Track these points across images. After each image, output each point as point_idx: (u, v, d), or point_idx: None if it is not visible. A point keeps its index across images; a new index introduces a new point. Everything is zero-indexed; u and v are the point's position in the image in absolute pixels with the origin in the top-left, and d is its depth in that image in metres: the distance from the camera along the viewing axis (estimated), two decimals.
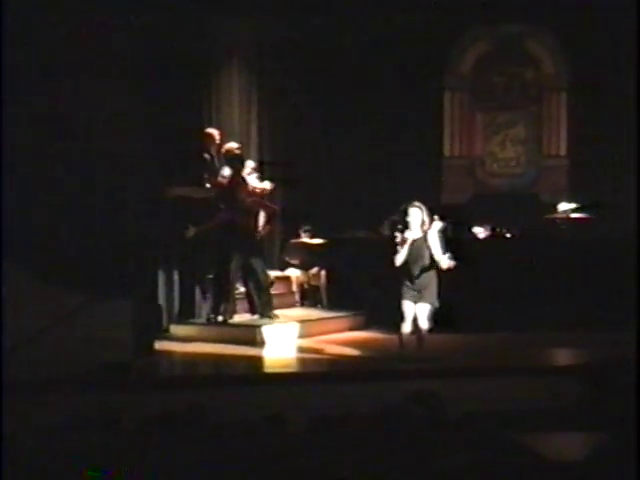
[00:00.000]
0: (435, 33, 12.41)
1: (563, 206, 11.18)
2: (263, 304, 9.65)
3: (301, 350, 9.04)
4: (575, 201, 11.26)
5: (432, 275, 8.15)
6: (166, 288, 9.63)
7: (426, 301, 8.11)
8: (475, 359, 8.51)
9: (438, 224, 8.28)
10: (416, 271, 8.11)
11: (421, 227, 8.14)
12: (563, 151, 13.01)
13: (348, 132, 12.37)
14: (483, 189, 13.14)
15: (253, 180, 9.89)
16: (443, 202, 12.49)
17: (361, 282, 10.40)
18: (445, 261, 8.05)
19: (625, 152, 12.14)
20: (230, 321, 9.54)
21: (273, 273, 10.62)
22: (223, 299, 9.57)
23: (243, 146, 10.39)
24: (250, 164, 10.04)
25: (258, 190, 9.86)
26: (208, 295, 9.77)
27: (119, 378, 7.43)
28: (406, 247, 8.08)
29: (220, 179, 9.81)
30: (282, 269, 11.29)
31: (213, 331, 9.37)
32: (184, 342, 9.17)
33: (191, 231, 9.53)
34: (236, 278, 9.68)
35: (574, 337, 9.28)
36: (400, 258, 8.10)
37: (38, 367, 7.17)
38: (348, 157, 12.42)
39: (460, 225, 10.26)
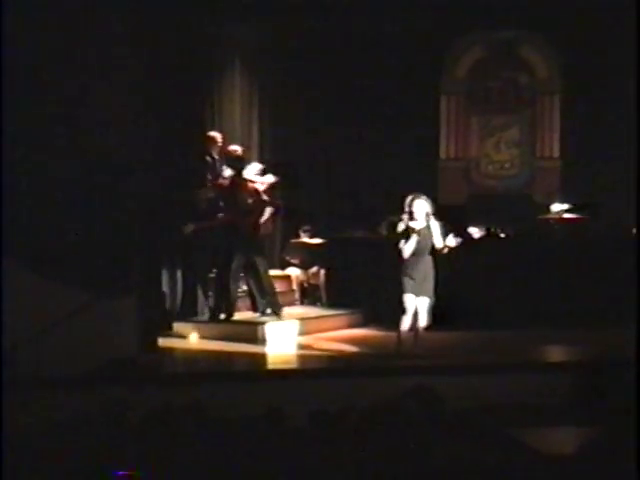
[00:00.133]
0: (432, 39, 12.42)
1: (556, 207, 11.18)
2: (268, 302, 9.63)
3: (301, 347, 9.02)
4: (568, 202, 11.26)
5: (432, 268, 8.11)
6: (169, 287, 9.63)
7: (426, 295, 8.07)
8: (472, 356, 8.49)
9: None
10: (419, 263, 8.05)
11: (425, 218, 8.11)
12: (556, 153, 13.03)
13: (347, 133, 12.37)
14: (478, 190, 13.14)
15: (256, 177, 9.85)
16: (439, 203, 12.46)
17: (359, 281, 10.40)
18: (451, 240, 8.03)
19: (616, 154, 12.18)
20: (231, 319, 9.53)
21: (274, 272, 10.60)
22: (225, 297, 9.56)
23: (244, 147, 10.37)
24: (257, 166, 10.01)
25: (262, 185, 9.82)
26: (210, 293, 9.76)
27: (125, 374, 7.41)
28: (414, 237, 8.01)
29: (221, 180, 9.81)
30: (282, 268, 11.29)
31: (215, 328, 9.36)
32: (187, 339, 9.17)
33: (189, 227, 9.53)
34: (238, 277, 9.66)
35: (567, 334, 9.27)
36: (409, 248, 8.02)
37: (46, 364, 7.14)
38: (347, 158, 12.43)
39: (456, 225, 10.25)
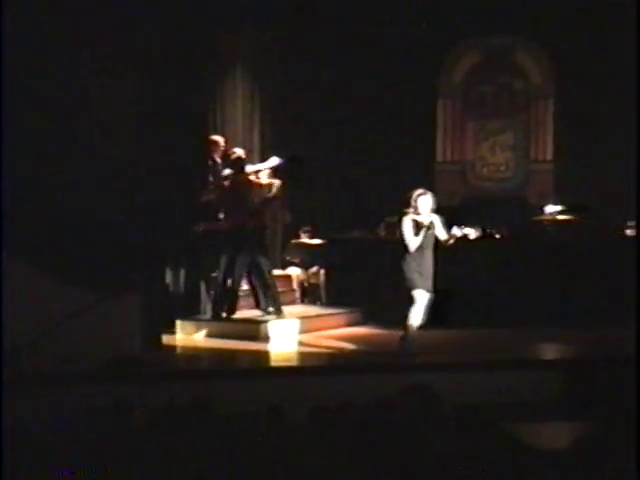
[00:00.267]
0: (430, 44, 12.44)
1: (549, 208, 11.20)
2: (270, 301, 9.64)
3: (302, 345, 9.03)
4: (561, 203, 11.29)
5: (433, 264, 8.11)
6: (173, 286, 9.64)
7: (430, 291, 8.09)
8: (468, 353, 8.50)
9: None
10: (425, 257, 8.04)
11: (430, 213, 8.11)
12: (549, 156, 13.03)
13: (346, 136, 12.39)
14: (474, 192, 13.14)
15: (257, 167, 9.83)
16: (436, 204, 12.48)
17: (358, 280, 10.41)
18: (456, 230, 8.04)
19: (608, 157, 12.21)
20: (234, 317, 9.54)
21: (275, 272, 10.61)
22: (227, 296, 9.57)
23: (246, 151, 10.36)
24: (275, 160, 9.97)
25: (264, 185, 9.81)
26: (212, 292, 9.76)
27: (129, 372, 7.42)
28: (423, 231, 8.00)
29: (224, 183, 9.79)
30: (283, 268, 11.29)
31: (218, 326, 9.36)
32: (190, 337, 9.18)
33: (201, 226, 9.54)
34: (241, 276, 9.68)
35: (559, 333, 9.29)
36: (416, 242, 8.00)
37: (51, 362, 7.15)
38: (346, 161, 12.45)
39: (452, 226, 10.26)
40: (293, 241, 11.49)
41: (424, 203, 8.08)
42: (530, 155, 13.13)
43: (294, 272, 11.19)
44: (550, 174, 12.94)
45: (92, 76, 8.43)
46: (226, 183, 9.70)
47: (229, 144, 10.34)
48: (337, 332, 9.72)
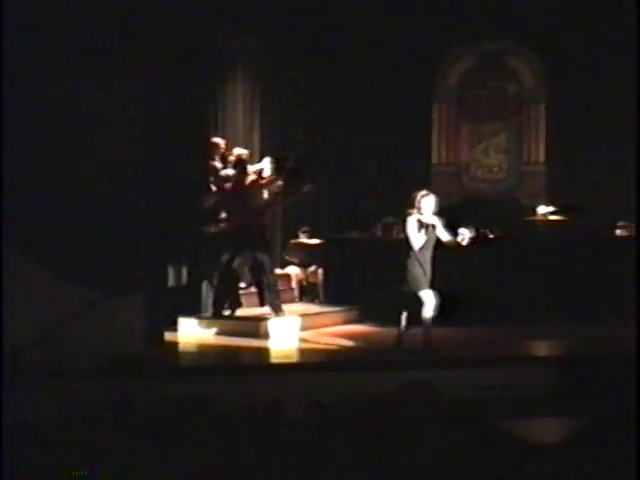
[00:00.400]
0: (425, 50, 12.44)
1: (541, 209, 11.22)
2: (272, 299, 9.63)
3: (301, 342, 9.02)
4: (552, 204, 11.31)
5: (431, 264, 8.14)
6: (175, 284, 9.61)
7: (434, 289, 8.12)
8: (463, 350, 8.49)
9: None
10: (428, 256, 8.08)
11: (432, 214, 8.12)
12: (541, 158, 13.06)
13: (345, 139, 12.39)
14: (468, 193, 13.15)
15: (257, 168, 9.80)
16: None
17: (355, 279, 10.40)
18: (464, 231, 8.05)
19: (598, 159, 12.22)
20: (235, 315, 9.52)
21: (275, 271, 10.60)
22: (229, 294, 9.55)
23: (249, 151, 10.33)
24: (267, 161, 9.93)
25: (264, 181, 9.77)
26: (213, 290, 9.74)
27: (132, 368, 7.40)
28: (426, 230, 8.03)
29: (227, 184, 9.76)
30: (282, 267, 11.28)
31: (219, 324, 9.35)
32: (192, 334, 9.17)
33: (211, 228, 9.53)
34: (242, 274, 9.66)
35: (550, 330, 9.29)
36: (421, 240, 8.04)
37: (56, 359, 7.13)
38: (344, 163, 12.45)
39: (447, 226, 10.25)
40: (292, 241, 11.49)
41: (427, 204, 8.11)
42: (523, 157, 13.16)
43: (293, 271, 11.18)
44: (542, 176, 12.97)
45: (93, 78, 8.38)
46: (228, 184, 9.66)
47: (229, 146, 10.32)
48: (334, 330, 9.72)
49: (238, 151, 10.02)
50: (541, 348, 9.07)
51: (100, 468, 3.81)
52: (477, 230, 10.76)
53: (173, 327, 9.24)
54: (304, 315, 9.86)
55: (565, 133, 12.58)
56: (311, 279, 11.13)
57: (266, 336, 9.05)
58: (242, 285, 9.97)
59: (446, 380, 6.43)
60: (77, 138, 8.34)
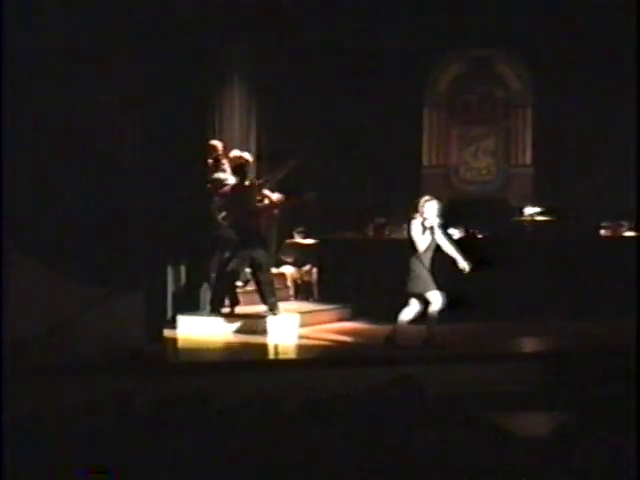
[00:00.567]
0: (415, 55, 12.45)
1: (528, 210, 11.24)
2: (268, 297, 9.59)
3: (297, 339, 8.99)
4: (539, 205, 11.32)
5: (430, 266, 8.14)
6: (174, 282, 9.57)
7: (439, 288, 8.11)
8: (454, 347, 8.46)
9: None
10: (431, 258, 8.09)
11: (434, 218, 8.11)
12: (528, 161, 13.10)
13: (339, 142, 12.37)
14: (458, 194, 13.15)
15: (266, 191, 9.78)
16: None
17: (348, 278, 10.38)
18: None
19: (583, 161, 12.25)
20: (233, 312, 9.48)
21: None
22: (227, 292, 9.51)
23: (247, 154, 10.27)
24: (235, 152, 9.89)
25: (268, 200, 9.76)
26: (211, 288, 9.69)
27: (131, 364, 7.36)
28: (430, 232, 8.04)
29: (224, 187, 9.70)
30: (277, 266, 11.24)
31: (217, 321, 9.31)
32: (191, 332, 9.13)
33: (217, 230, 9.51)
34: (241, 273, 9.63)
35: (539, 326, 9.28)
36: (425, 242, 8.05)
37: (56, 355, 7.08)
38: (338, 165, 12.44)
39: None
40: (287, 241, 11.45)
41: (430, 208, 8.11)
42: (510, 160, 13.21)
43: (288, 270, 11.15)
44: (529, 178, 13.01)
45: (92, 80, 8.31)
46: (227, 188, 9.60)
47: (227, 149, 10.27)
48: (328, 327, 9.69)
49: (237, 153, 9.96)
50: (529, 344, 9.06)
51: (100, 463, 3.76)
52: (466, 230, 10.74)
53: (172, 325, 9.20)
54: (298, 313, 9.83)
55: (551, 136, 12.61)
56: (305, 278, 11.09)
57: (264, 333, 9.01)
58: (239, 283, 9.93)
59: (438, 375, 6.41)
60: (77, 139, 8.29)
